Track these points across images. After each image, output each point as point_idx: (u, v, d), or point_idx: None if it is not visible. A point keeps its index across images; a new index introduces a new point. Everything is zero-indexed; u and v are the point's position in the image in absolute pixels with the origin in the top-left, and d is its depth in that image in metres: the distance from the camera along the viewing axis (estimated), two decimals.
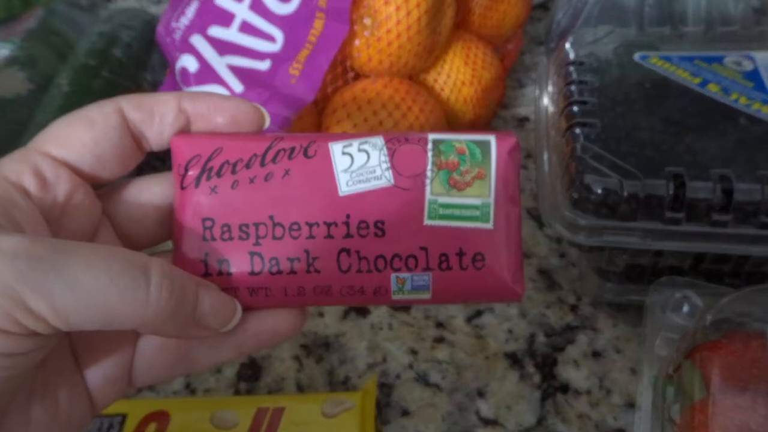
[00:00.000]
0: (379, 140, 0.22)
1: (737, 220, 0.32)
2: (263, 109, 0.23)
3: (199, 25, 0.44)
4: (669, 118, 0.36)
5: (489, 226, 0.22)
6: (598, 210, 0.33)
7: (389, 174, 0.22)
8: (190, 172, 0.22)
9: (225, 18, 0.44)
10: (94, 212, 0.22)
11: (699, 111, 0.36)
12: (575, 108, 0.37)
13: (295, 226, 0.22)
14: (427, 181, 0.22)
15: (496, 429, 0.37)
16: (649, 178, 0.33)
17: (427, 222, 0.22)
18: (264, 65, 0.42)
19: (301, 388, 0.38)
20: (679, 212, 0.33)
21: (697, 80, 0.38)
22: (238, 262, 0.22)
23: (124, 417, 0.34)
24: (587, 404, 0.37)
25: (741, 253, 0.33)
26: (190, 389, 0.38)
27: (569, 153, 0.35)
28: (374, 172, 0.22)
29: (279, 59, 0.42)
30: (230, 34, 0.43)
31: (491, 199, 0.22)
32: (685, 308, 0.32)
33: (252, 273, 0.22)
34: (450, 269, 0.22)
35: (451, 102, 0.47)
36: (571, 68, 0.40)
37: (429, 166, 0.22)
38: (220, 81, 0.43)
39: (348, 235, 0.22)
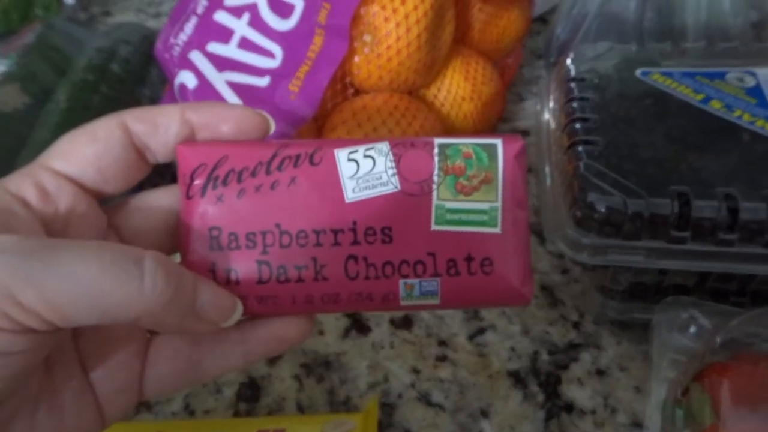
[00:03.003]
0: (384, 146, 0.22)
1: (743, 239, 0.32)
2: (268, 116, 0.23)
3: (198, 42, 0.44)
4: (672, 135, 0.36)
5: (497, 230, 0.22)
6: (601, 229, 0.33)
7: (395, 180, 0.22)
8: (196, 182, 0.22)
9: (224, 34, 0.43)
10: (99, 225, 0.22)
11: (702, 128, 0.36)
12: (577, 125, 0.37)
13: (302, 234, 0.22)
14: (434, 187, 0.22)
15: None
16: (654, 196, 0.33)
17: (434, 227, 0.22)
18: (263, 81, 0.42)
19: (301, 409, 0.38)
20: (685, 231, 0.32)
21: (700, 96, 0.38)
22: (246, 271, 0.22)
23: None
24: (592, 424, 0.37)
25: (747, 272, 0.33)
26: (189, 410, 0.38)
27: (572, 171, 0.35)
28: (380, 178, 0.22)
29: (278, 76, 0.42)
30: (229, 50, 0.43)
31: (499, 204, 0.22)
32: (692, 329, 0.32)
33: (260, 281, 0.22)
34: (458, 275, 0.21)
35: (451, 117, 0.47)
36: (573, 84, 0.40)
37: (435, 171, 0.22)
38: (219, 97, 0.42)
39: (355, 242, 0.21)
